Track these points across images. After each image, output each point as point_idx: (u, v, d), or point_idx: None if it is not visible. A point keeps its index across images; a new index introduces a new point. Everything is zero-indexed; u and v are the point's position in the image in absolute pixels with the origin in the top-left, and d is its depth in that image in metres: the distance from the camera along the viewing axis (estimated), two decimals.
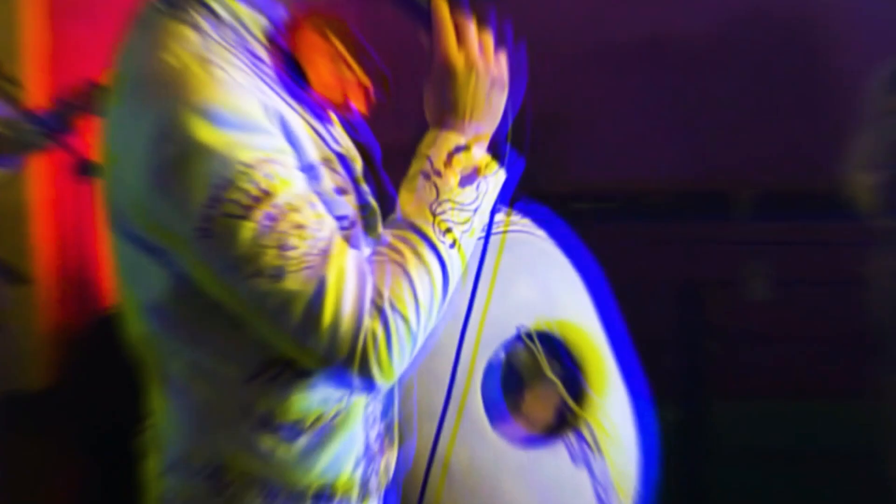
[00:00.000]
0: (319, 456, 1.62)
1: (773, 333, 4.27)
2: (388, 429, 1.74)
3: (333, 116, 1.62)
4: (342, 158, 1.57)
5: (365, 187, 1.60)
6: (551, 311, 2.15)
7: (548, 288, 2.17)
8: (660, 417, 3.95)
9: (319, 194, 1.49)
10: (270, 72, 1.54)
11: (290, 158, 1.46)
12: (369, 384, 1.49)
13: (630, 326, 4.12)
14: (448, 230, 1.51)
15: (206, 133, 1.42)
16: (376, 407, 1.68)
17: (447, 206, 1.52)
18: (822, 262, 4.04)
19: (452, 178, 1.53)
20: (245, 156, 1.42)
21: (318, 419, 1.60)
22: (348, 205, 1.53)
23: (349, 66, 1.63)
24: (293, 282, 1.44)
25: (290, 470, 1.61)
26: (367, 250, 1.52)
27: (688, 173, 4.89)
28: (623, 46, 4.97)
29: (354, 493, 1.65)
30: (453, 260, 1.52)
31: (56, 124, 3.95)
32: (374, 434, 1.69)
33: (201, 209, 1.43)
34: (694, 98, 5.00)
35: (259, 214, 1.42)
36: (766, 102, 4.85)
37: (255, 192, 1.42)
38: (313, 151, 1.52)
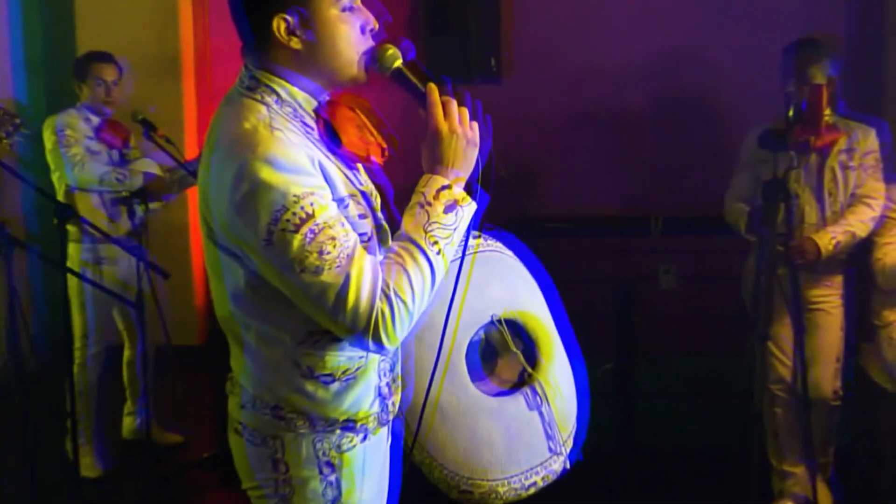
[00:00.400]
0: (347, 397, 1.68)
1: (678, 311, 4.28)
2: (394, 379, 1.79)
3: (360, 166, 1.70)
4: (364, 194, 1.66)
5: (380, 214, 1.69)
6: (515, 304, 2.16)
7: (513, 288, 2.18)
8: (599, 369, 4.00)
9: (348, 218, 1.58)
10: (316, 134, 1.63)
11: (326, 192, 1.55)
12: (380, 347, 1.56)
13: (581, 307, 4.15)
14: (435, 242, 1.59)
15: (268, 174, 1.51)
16: (386, 363, 1.75)
17: (435, 226, 1.59)
18: (711, 263, 4.03)
19: (439, 206, 1.60)
20: (295, 190, 1.51)
21: (345, 371, 1.67)
22: (368, 226, 1.63)
23: (370, 131, 1.73)
24: (328, 276, 1.52)
25: (327, 406, 1.68)
26: (380, 256, 1.60)
27: (620, 202, 4.90)
28: (581, 115, 4.95)
29: (371, 424, 1.72)
30: (439, 262, 1.59)
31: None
32: (384, 382, 1.75)
33: (266, 226, 1.51)
34: (626, 151, 5.01)
35: (305, 229, 1.51)
36: (673, 155, 4.85)
37: (302, 214, 1.51)
38: (343, 188, 1.61)
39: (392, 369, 1.77)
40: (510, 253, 2.24)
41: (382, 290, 1.54)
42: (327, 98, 1.69)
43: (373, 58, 1.65)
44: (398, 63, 1.66)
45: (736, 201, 3.47)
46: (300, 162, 1.54)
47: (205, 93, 5.66)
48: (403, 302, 1.55)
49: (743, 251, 3.54)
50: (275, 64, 1.63)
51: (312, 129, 1.63)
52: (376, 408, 1.72)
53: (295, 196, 1.51)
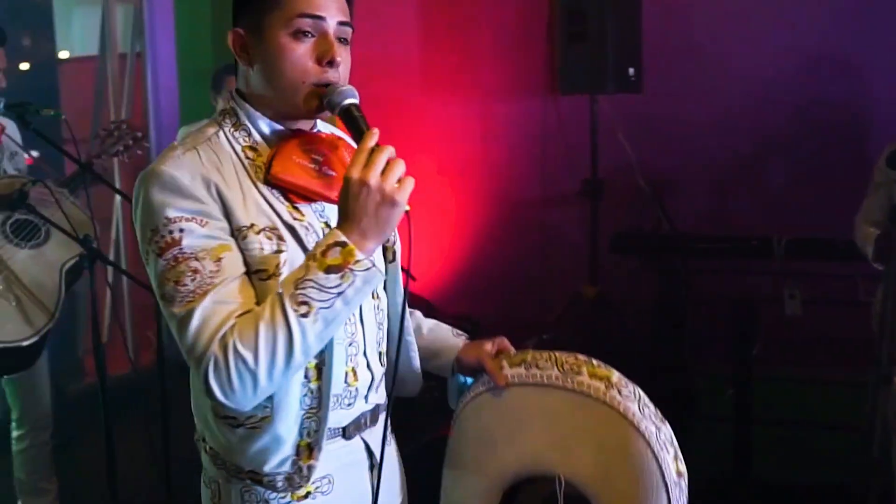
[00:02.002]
0: (249, 446, 1.56)
1: (802, 337, 4.07)
2: (316, 442, 1.59)
3: (305, 200, 1.57)
4: (292, 229, 1.53)
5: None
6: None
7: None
8: (719, 394, 3.85)
9: (248, 250, 1.48)
10: (259, 161, 1.56)
11: (209, 220, 1.47)
12: (214, 398, 1.43)
13: (701, 328, 3.99)
14: (304, 303, 1.40)
15: (151, 192, 1.48)
16: (312, 422, 1.57)
17: (309, 285, 1.40)
18: (838, 289, 3.82)
19: (322, 264, 1.41)
20: (170, 212, 1.46)
21: (249, 418, 1.54)
22: (274, 262, 1.48)
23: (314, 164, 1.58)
24: (177, 307, 1.44)
25: (234, 451, 1.59)
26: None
27: (743, 220, 4.70)
28: (716, 128, 4.77)
29: (279, 484, 1.59)
30: (304, 326, 1.40)
31: None
32: (303, 442, 1.58)
33: (142, 243, 1.49)
34: (754, 165, 4.80)
35: (168, 254, 1.45)
36: (805, 171, 4.62)
37: (168, 239, 1.45)
38: (246, 219, 1.49)
39: (319, 428, 1.57)
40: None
41: (223, 337, 1.42)
42: (297, 127, 1.62)
43: (326, 92, 1.53)
44: (350, 101, 1.52)
45: (866, 224, 3.24)
46: (186, 184, 1.48)
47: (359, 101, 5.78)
48: (242, 359, 1.40)
49: (876, 277, 3.33)
50: (244, 86, 1.62)
51: (256, 157, 1.58)
52: (286, 468, 1.58)
53: (167, 219, 1.46)
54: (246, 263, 1.49)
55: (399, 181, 1.42)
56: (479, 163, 5.45)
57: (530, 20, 5.17)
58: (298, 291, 1.40)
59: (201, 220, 1.46)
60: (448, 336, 1.86)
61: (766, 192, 4.70)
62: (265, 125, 1.60)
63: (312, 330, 1.40)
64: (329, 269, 1.39)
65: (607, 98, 4.78)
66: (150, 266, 1.49)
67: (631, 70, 4.70)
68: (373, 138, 1.45)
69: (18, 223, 3.19)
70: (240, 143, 1.57)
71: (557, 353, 1.67)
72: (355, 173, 1.40)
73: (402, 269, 1.72)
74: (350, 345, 1.62)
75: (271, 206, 1.53)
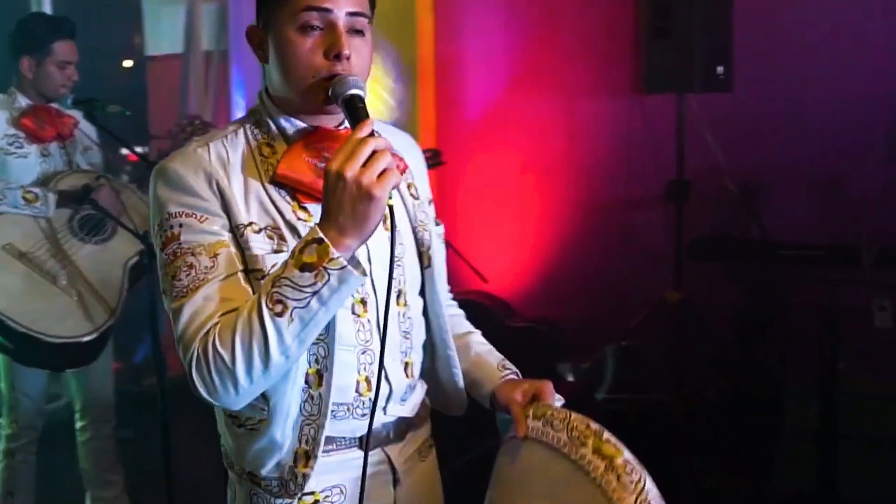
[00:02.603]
0: (248, 447, 1.56)
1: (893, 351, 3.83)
2: (312, 450, 1.55)
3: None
4: (295, 229, 1.50)
5: None
6: None
7: None
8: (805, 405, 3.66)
9: (249, 248, 1.47)
10: (273, 160, 1.55)
11: (208, 216, 1.48)
12: (201, 393, 1.42)
13: (784, 341, 3.79)
14: (279, 301, 1.36)
15: (158, 187, 1.51)
16: (311, 428, 1.54)
17: (284, 282, 1.36)
18: None
19: (297, 262, 1.36)
20: (172, 207, 1.48)
21: (248, 419, 1.55)
22: (271, 262, 1.46)
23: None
24: (172, 301, 1.46)
25: (236, 452, 1.60)
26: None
27: (829, 228, 4.46)
28: (805, 129, 4.53)
29: (275, 489, 1.57)
30: (280, 326, 1.37)
31: None
32: (300, 448, 1.55)
33: (153, 238, 1.53)
34: (843, 169, 4.54)
35: (168, 249, 1.47)
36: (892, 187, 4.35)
37: (169, 233, 1.48)
38: (245, 217, 1.49)
39: (317, 436, 1.53)
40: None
41: (205, 335, 1.41)
42: (319, 124, 1.58)
43: (332, 83, 1.48)
44: (356, 91, 1.46)
45: None
46: (188, 180, 1.49)
47: (444, 100, 5.75)
48: (221, 357, 1.39)
49: None
50: (268, 82, 1.60)
51: (270, 154, 1.56)
52: (283, 473, 1.56)
53: (168, 213, 1.49)
54: (244, 261, 1.48)
55: (381, 175, 1.34)
56: (564, 162, 5.34)
57: (616, 15, 5.03)
58: (274, 290, 1.37)
59: (201, 217, 1.47)
60: (491, 368, 1.76)
61: (857, 199, 4.46)
62: (286, 122, 1.58)
63: (289, 330, 1.36)
64: (304, 267, 1.35)
65: (695, 97, 4.59)
66: (156, 258, 1.52)
67: (720, 68, 4.50)
68: (363, 129, 1.39)
69: (85, 218, 3.22)
70: (257, 140, 1.56)
71: (574, 416, 1.49)
72: (334, 165, 1.35)
73: (433, 275, 1.65)
74: (363, 353, 1.57)
75: (275, 205, 1.51)
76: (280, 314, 1.36)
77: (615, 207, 5.18)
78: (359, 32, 1.52)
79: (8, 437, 3.35)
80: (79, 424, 3.54)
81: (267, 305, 1.36)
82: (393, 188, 1.36)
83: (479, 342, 1.83)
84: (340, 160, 1.34)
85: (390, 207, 1.39)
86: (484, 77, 5.50)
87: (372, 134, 1.38)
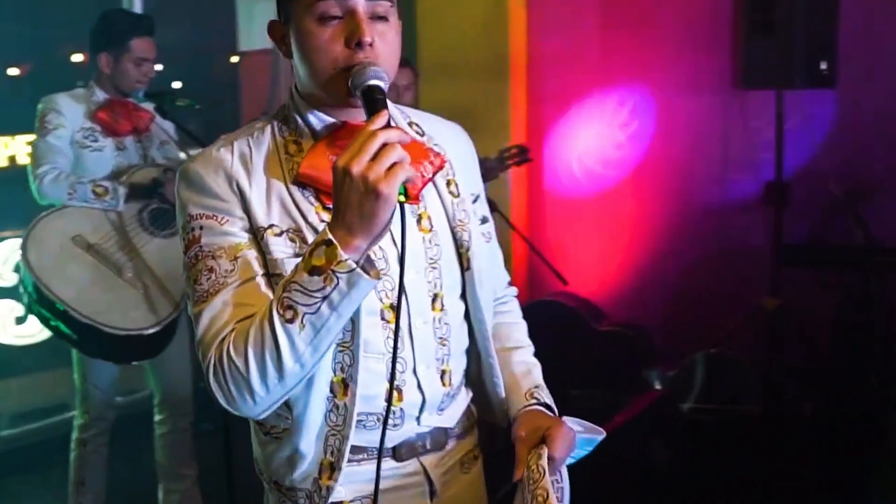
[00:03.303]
0: (274, 456, 1.52)
1: None
2: (338, 461, 1.49)
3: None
4: (316, 231, 1.43)
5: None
6: None
7: None
8: None
9: (270, 251, 1.42)
10: (299, 158, 1.47)
11: (228, 218, 1.43)
12: (219, 401, 1.37)
13: None
14: (290, 307, 1.30)
15: (180, 188, 1.48)
16: (336, 438, 1.48)
17: (293, 286, 1.30)
18: None
19: (307, 265, 1.30)
20: (192, 209, 1.45)
21: (273, 427, 1.51)
22: (293, 266, 1.36)
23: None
24: (193, 306, 1.42)
25: (263, 460, 1.56)
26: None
27: None
28: None
29: (301, 500, 1.51)
30: (290, 332, 1.30)
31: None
32: (326, 459, 1.49)
33: (179, 238, 1.49)
34: None
35: (190, 252, 1.44)
36: None
37: (191, 235, 1.44)
38: (265, 219, 1.43)
39: (342, 448, 1.47)
40: None
41: (221, 342, 1.36)
42: (346, 119, 1.50)
43: (352, 73, 1.40)
44: (374, 82, 1.38)
45: None
46: (208, 181, 1.44)
47: (536, 96, 5.63)
48: (235, 365, 1.34)
49: None
50: (297, 77, 1.52)
51: (296, 152, 1.49)
52: (307, 484, 1.50)
53: (190, 215, 1.45)
54: (266, 265, 1.42)
55: (390, 170, 1.25)
56: (657, 161, 5.16)
57: (714, 9, 4.82)
58: (285, 295, 1.31)
59: (221, 218, 1.43)
60: (519, 393, 1.65)
61: None
62: (315, 118, 1.50)
63: (300, 337, 1.30)
64: (313, 271, 1.29)
65: (796, 94, 4.36)
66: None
67: (823, 64, 4.26)
68: (376, 121, 1.30)
69: (155, 212, 3.22)
70: (283, 138, 1.50)
71: (542, 483, 1.43)
72: (341, 161, 1.27)
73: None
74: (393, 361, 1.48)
75: (298, 206, 1.45)
76: (290, 320, 1.30)
77: (710, 209, 5.00)
78: (382, 18, 1.44)
79: (80, 427, 3.37)
80: (157, 418, 3.56)
81: (278, 311, 1.30)
82: (404, 183, 1.27)
83: (520, 360, 1.72)
84: (348, 155, 1.27)
85: (400, 205, 1.30)
86: (576, 73, 5.35)
87: (388, 126, 1.30)
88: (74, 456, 3.39)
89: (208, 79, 5.95)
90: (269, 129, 1.51)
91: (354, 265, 1.27)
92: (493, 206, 3.97)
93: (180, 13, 5.46)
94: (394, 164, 1.25)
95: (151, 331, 2.98)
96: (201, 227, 1.42)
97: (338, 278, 1.27)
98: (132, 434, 3.77)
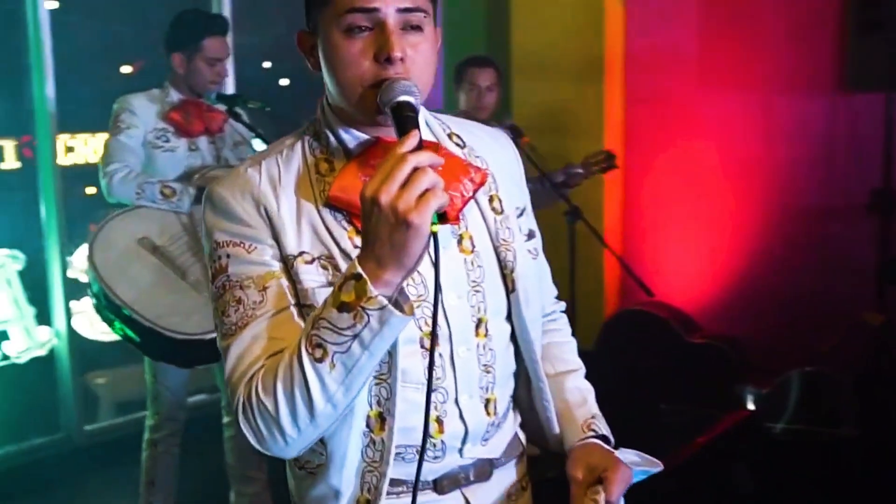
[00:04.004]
0: (307, 492, 1.43)
1: None
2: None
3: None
4: (349, 258, 1.33)
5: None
6: None
7: None
8: None
9: (299, 281, 1.33)
10: (330, 178, 1.37)
11: (256, 245, 1.34)
12: (251, 441, 1.30)
13: None
14: (319, 345, 1.21)
15: (206, 212, 1.39)
16: (373, 475, 1.38)
17: (322, 323, 1.21)
18: None
19: (336, 300, 1.20)
20: (219, 236, 1.36)
21: (307, 462, 1.42)
22: (325, 296, 1.26)
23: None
24: (221, 340, 1.35)
25: (297, 494, 1.47)
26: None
27: None
28: None
29: None
30: (320, 372, 1.22)
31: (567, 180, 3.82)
32: (362, 498, 1.40)
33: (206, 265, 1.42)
34: None
35: (217, 281, 1.36)
36: None
37: (218, 264, 1.36)
38: (296, 245, 1.34)
39: (379, 485, 1.39)
40: None
41: (250, 380, 1.28)
42: (381, 135, 1.39)
43: (380, 89, 1.30)
44: (404, 98, 1.27)
45: None
46: (234, 206, 1.35)
47: (632, 96, 5.44)
48: (265, 406, 1.26)
49: None
50: (326, 91, 1.42)
51: (328, 172, 1.38)
52: None
53: (216, 243, 1.36)
54: (296, 295, 1.33)
55: (422, 197, 1.15)
56: (758, 165, 4.94)
57: (819, 5, 4.56)
58: (313, 332, 1.22)
59: (249, 246, 1.34)
60: (575, 425, 1.55)
61: None
62: (346, 134, 1.40)
63: (332, 377, 1.22)
64: (342, 307, 1.20)
65: None
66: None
67: None
68: (406, 143, 1.19)
69: None
70: (314, 156, 1.40)
71: None
72: (368, 189, 1.17)
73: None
74: (434, 391, 1.39)
75: (330, 231, 1.35)
76: (320, 360, 1.21)
77: (813, 216, 4.78)
78: (415, 29, 1.33)
79: (151, 428, 3.37)
80: (225, 420, 3.54)
81: (307, 349, 1.22)
82: (438, 210, 1.17)
83: (573, 387, 1.61)
84: (375, 183, 1.16)
85: (433, 235, 1.20)
86: (673, 72, 5.16)
87: (420, 147, 1.20)
88: (145, 456, 3.38)
89: (311, 77, 5.91)
90: (299, 146, 1.42)
91: (386, 301, 1.18)
92: (577, 213, 3.83)
93: (269, 13, 5.45)
94: (426, 192, 1.15)
95: (210, 336, 2.93)
96: (228, 256, 1.34)
97: (368, 316, 1.18)
98: (204, 434, 3.75)
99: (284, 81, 5.58)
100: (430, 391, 1.28)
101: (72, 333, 4.25)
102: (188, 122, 3.23)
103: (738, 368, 4.52)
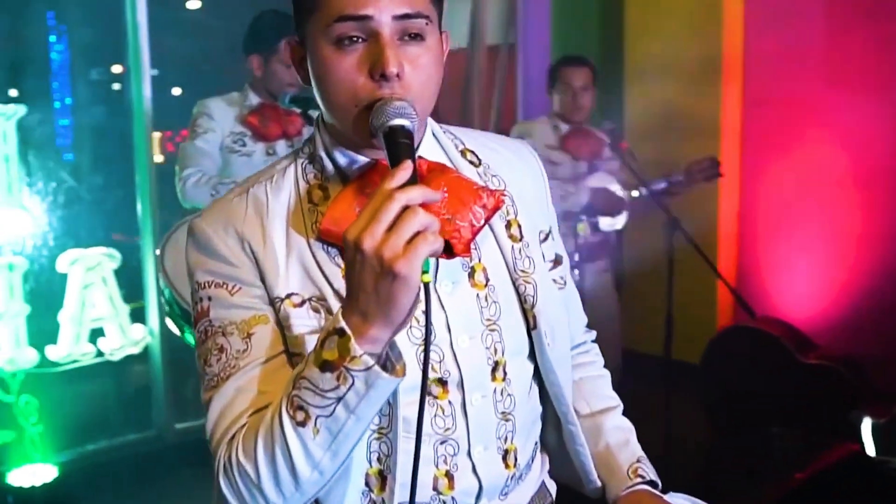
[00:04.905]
0: None
1: None
2: None
3: None
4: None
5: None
6: None
7: None
8: None
9: (290, 325, 1.18)
10: (323, 209, 1.21)
11: (239, 286, 1.20)
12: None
13: None
14: (301, 408, 1.07)
15: (188, 249, 1.25)
16: None
17: (304, 383, 1.07)
18: None
19: (318, 358, 1.06)
20: (201, 276, 1.22)
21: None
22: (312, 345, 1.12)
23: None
24: (203, 392, 1.21)
25: None
26: None
27: None
28: None
29: None
30: (303, 438, 1.08)
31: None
32: None
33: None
34: None
35: (200, 326, 1.21)
36: None
37: (199, 307, 1.22)
38: (284, 287, 1.18)
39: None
40: None
41: (231, 440, 1.14)
42: (378, 157, 1.22)
43: (373, 110, 1.13)
44: (397, 122, 1.11)
45: None
46: (216, 241, 1.20)
47: (752, 98, 5.10)
48: (245, 470, 1.11)
49: None
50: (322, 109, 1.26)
51: (322, 200, 1.22)
52: None
53: (197, 283, 1.22)
54: (285, 342, 1.18)
55: (410, 242, 1.01)
56: (889, 174, 4.54)
57: None
58: (294, 392, 1.09)
59: (232, 287, 1.20)
60: (620, 471, 1.40)
61: None
62: (343, 157, 1.24)
63: (316, 443, 1.08)
64: (324, 366, 1.06)
65: None
66: None
67: None
68: (396, 177, 1.03)
69: None
70: (308, 182, 1.24)
71: None
72: (351, 231, 1.03)
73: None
74: (443, 443, 1.23)
75: (322, 269, 1.19)
76: (302, 423, 1.08)
77: None
78: (416, 38, 1.16)
79: None
80: None
81: (288, 412, 1.09)
82: (432, 256, 1.02)
83: (614, 427, 1.45)
84: (359, 224, 1.02)
85: (425, 286, 1.04)
86: (799, 72, 4.83)
87: (414, 180, 1.04)
88: None
89: None
90: (292, 170, 1.26)
91: (372, 362, 1.05)
92: (675, 224, 3.56)
93: None
94: (416, 235, 1.01)
95: None
96: (210, 298, 1.20)
97: (353, 377, 1.05)
98: None
99: None
100: (415, 477, 1.12)
101: (165, 332, 4.25)
102: (265, 125, 3.16)
103: (855, 394, 4.15)
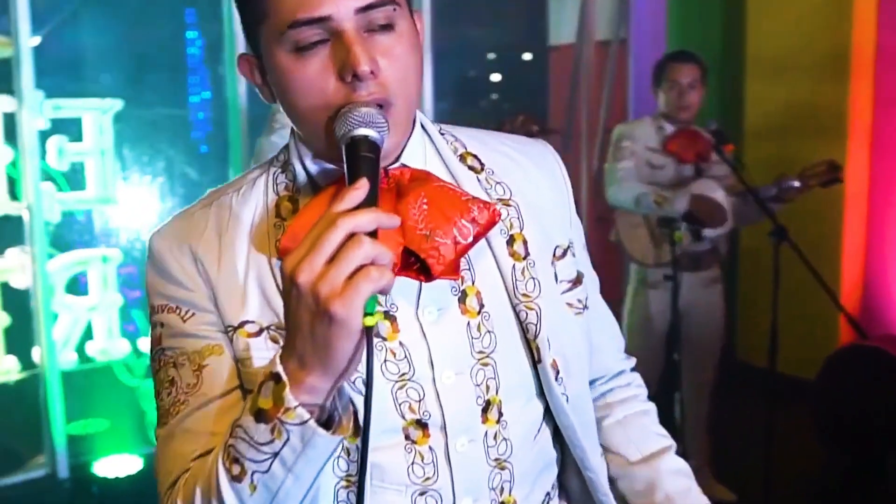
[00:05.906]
0: None
1: None
2: None
3: None
4: None
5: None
6: None
7: None
8: None
9: (251, 356, 1.02)
10: (286, 223, 1.06)
11: (199, 313, 1.05)
12: None
13: None
14: (236, 460, 0.92)
15: (146, 268, 1.11)
16: None
17: (239, 432, 0.92)
18: None
19: (253, 405, 0.91)
20: (155, 298, 1.08)
21: None
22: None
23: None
24: (156, 427, 1.08)
25: None
26: None
27: None
28: None
29: None
30: (240, 493, 0.93)
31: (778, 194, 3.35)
32: None
33: None
34: None
35: (153, 354, 1.09)
36: None
37: (153, 334, 1.09)
38: (239, 315, 1.03)
39: None
40: None
41: (173, 483, 1.02)
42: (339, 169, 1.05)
43: (336, 117, 0.97)
44: (361, 132, 0.95)
45: None
46: (170, 261, 1.06)
47: (883, 97, 4.71)
48: None
49: None
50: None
51: (290, 214, 1.06)
52: None
53: (151, 307, 1.09)
54: (240, 376, 1.05)
55: (351, 278, 0.84)
56: None
57: None
58: (230, 442, 0.94)
59: (185, 312, 1.06)
60: None
61: None
62: (316, 167, 1.08)
63: (254, 500, 0.93)
64: (259, 416, 0.91)
65: None
66: None
67: None
68: (345, 200, 0.88)
69: None
70: (277, 194, 1.08)
71: None
72: (288, 261, 0.87)
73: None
74: (422, 494, 1.06)
75: (282, 293, 1.02)
76: (238, 478, 0.93)
77: None
78: (385, 28, 0.99)
79: None
80: None
81: (224, 464, 0.94)
82: (381, 293, 0.85)
83: (671, 470, 1.26)
84: (298, 254, 0.86)
85: (366, 330, 0.86)
86: None
87: (373, 200, 0.89)
88: None
89: (520, 76, 5.63)
90: (262, 180, 1.11)
91: (307, 416, 0.89)
92: (782, 233, 3.26)
93: (489, 9, 5.20)
94: (358, 270, 0.84)
95: None
96: (161, 324, 1.07)
97: (287, 432, 0.90)
98: None
99: (496, 77, 5.33)
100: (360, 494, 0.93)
101: None
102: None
103: None
